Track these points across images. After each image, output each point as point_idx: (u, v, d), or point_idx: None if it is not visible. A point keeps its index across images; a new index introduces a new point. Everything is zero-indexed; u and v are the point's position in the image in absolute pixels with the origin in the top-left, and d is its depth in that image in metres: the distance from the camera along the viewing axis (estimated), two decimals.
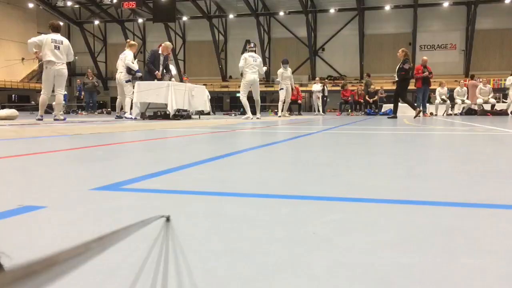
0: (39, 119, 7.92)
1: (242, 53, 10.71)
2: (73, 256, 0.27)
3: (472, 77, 16.89)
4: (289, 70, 12.71)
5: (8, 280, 0.20)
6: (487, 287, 0.61)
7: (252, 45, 10.47)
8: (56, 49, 7.86)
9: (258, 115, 10.65)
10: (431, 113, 11.30)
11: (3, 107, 19.01)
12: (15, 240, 0.84)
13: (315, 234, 0.87)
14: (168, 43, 10.30)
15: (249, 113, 10.23)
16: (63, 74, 7.96)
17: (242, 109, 10.68)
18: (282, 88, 12.41)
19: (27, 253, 0.76)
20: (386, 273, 0.66)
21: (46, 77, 7.91)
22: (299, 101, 18.04)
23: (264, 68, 10.79)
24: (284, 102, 12.65)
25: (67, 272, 0.26)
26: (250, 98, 10.32)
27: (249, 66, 9.97)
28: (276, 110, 12.90)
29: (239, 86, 10.53)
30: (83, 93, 17.88)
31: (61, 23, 8.71)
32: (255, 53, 10.21)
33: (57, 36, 7.97)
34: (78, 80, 19.24)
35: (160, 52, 9.78)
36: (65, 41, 8.06)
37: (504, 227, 0.93)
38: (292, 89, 13.09)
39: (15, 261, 0.28)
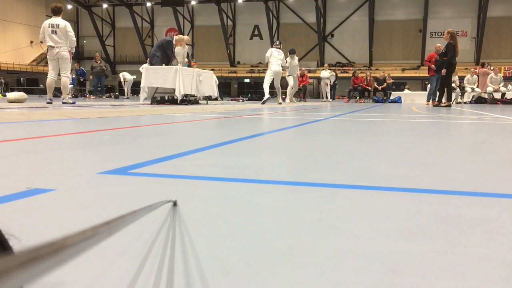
0: (48, 102, 7.97)
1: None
2: (81, 240, 0.27)
3: (483, 65, 16.66)
4: (296, 59, 13.58)
5: (17, 262, 0.20)
6: (494, 276, 0.61)
7: (277, 42, 12.08)
8: (53, 33, 7.87)
9: (280, 100, 12.29)
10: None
11: (11, 90, 19.12)
12: (23, 222, 0.85)
13: (321, 221, 0.87)
14: (183, 36, 10.84)
15: (267, 95, 11.35)
16: (63, 56, 7.96)
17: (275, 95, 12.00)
18: (290, 75, 13.25)
19: (35, 236, 0.77)
20: (392, 260, 0.66)
21: (49, 60, 8.01)
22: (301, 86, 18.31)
23: (286, 62, 12.28)
24: (292, 88, 13.48)
25: (75, 256, 0.26)
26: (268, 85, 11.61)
27: (275, 59, 11.28)
28: (283, 97, 13.19)
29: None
30: (90, 77, 17.86)
31: (64, 6, 8.65)
32: (280, 49, 11.64)
33: (54, 20, 7.96)
34: (76, 64, 19.13)
35: (174, 43, 9.91)
36: (62, 24, 7.95)
37: (511, 216, 0.93)
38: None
39: (23, 243, 0.28)
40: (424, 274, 0.61)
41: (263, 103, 10.86)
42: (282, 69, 11.65)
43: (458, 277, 0.61)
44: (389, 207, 0.99)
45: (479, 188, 1.23)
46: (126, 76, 19.69)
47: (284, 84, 12.53)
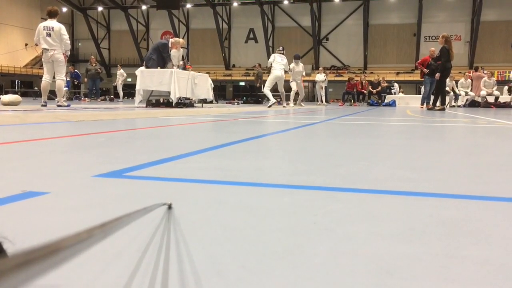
0: (43, 105, 7.95)
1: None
2: (76, 242, 0.27)
3: (476, 69, 16.74)
4: (301, 65, 13.68)
5: (11, 265, 0.20)
6: (488, 278, 0.61)
7: (280, 48, 12.30)
8: (47, 36, 7.84)
9: (284, 104, 12.56)
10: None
11: (6, 93, 19.03)
12: (18, 225, 0.84)
13: (316, 224, 0.87)
14: (179, 39, 10.82)
15: (272, 99, 11.49)
16: (58, 59, 7.94)
17: (266, 99, 12.53)
18: (293, 81, 13.47)
19: (30, 239, 0.77)
20: (387, 263, 0.66)
21: (44, 63, 8.00)
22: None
23: (289, 68, 12.59)
24: (295, 93, 13.69)
25: (69, 258, 0.26)
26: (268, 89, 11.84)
27: (277, 64, 11.58)
28: (279, 100, 13.30)
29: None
30: (85, 79, 17.82)
31: (59, 9, 8.59)
32: (283, 54, 11.85)
33: (49, 23, 7.93)
34: (70, 67, 19.07)
35: (170, 46, 9.93)
36: (56, 26, 7.91)
37: (505, 219, 0.93)
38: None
39: (17, 246, 0.28)
40: (419, 276, 0.62)
41: (269, 107, 11.00)
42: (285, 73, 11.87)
43: (453, 279, 0.61)
44: (384, 210, 0.99)
45: (474, 191, 1.24)
46: (125, 76, 19.71)
47: (286, 87, 12.65)
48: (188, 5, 39.99)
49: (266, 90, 11.57)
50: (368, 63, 38.57)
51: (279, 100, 13.30)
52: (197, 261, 0.65)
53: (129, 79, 20.97)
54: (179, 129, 3.63)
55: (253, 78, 38.24)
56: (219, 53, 41.28)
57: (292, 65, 13.17)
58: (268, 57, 12.76)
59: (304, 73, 13.92)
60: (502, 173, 1.58)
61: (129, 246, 0.71)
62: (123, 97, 20.32)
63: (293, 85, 13.52)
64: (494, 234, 0.83)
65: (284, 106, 12.25)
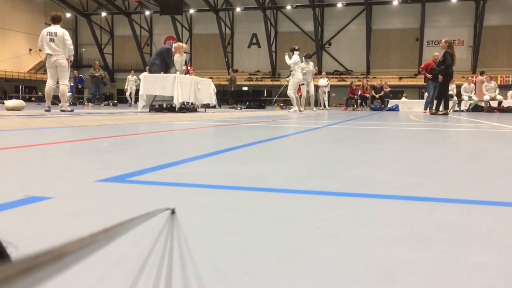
0: (47, 110, 7.97)
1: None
2: (79, 248, 0.27)
3: (482, 73, 16.72)
4: (311, 64, 13.78)
5: (15, 270, 0.20)
6: (491, 284, 0.61)
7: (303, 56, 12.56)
8: (51, 41, 7.87)
9: (302, 108, 12.72)
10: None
11: (10, 98, 19.12)
12: (21, 230, 0.84)
13: (319, 229, 0.87)
14: (182, 44, 10.96)
15: (296, 107, 11.66)
16: (61, 64, 7.97)
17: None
18: (303, 84, 13.20)
19: (33, 243, 0.77)
20: (390, 269, 0.66)
21: (48, 68, 8.04)
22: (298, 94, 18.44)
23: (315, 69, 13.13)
24: (305, 97, 13.68)
25: (73, 263, 0.26)
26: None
27: (300, 69, 11.65)
28: (281, 104, 13.36)
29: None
30: (91, 85, 17.90)
31: (63, 14, 8.60)
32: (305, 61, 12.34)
33: (53, 28, 7.97)
34: (75, 72, 19.21)
35: (173, 50, 9.98)
36: (60, 32, 7.94)
37: (509, 224, 0.93)
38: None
39: (21, 251, 0.28)
40: (423, 282, 0.61)
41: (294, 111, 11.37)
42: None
43: (456, 285, 0.60)
44: (388, 215, 0.99)
45: (477, 196, 1.23)
46: (138, 82, 19.82)
47: (282, 91, 12.76)
48: (191, 11, 40.13)
49: (291, 94, 11.53)
50: (371, 68, 38.56)
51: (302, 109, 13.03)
52: (200, 266, 0.65)
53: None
54: (182, 134, 3.63)
55: (256, 83, 38.44)
56: (222, 58, 41.36)
57: (303, 65, 12.96)
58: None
59: (312, 74, 13.91)
60: (506, 178, 1.57)
61: (133, 251, 0.71)
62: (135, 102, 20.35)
63: (303, 89, 13.39)
64: (498, 239, 0.82)
65: (301, 110, 12.21)
